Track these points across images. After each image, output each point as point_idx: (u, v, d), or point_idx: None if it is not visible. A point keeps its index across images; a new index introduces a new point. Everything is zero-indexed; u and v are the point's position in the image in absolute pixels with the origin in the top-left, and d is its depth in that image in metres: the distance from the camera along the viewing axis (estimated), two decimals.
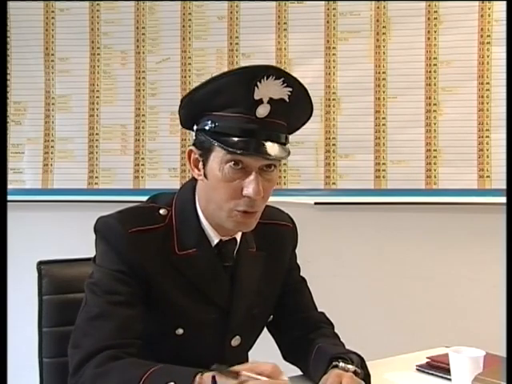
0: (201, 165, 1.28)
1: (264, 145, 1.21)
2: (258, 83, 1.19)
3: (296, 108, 1.27)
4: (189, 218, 1.33)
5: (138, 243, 1.27)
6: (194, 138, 1.30)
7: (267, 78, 1.19)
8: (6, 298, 1.53)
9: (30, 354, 1.58)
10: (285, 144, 1.27)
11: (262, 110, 1.21)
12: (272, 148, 1.22)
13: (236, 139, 1.21)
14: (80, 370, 1.18)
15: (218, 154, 1.23)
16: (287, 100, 1.23)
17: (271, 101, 1.21)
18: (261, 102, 1.20)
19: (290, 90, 1.23)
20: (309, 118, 1.34)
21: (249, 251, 1.39)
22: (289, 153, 1.26)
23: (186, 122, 1.32)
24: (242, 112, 1.21)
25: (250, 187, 1.23)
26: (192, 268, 1.30)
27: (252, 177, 1.23)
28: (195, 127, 1.29)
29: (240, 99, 1.20)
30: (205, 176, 1.27)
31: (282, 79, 1.21)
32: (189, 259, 1.30)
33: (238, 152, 1.20)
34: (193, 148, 1.29)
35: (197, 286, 1.31)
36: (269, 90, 1.20)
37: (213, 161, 1.24)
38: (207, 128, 1.24)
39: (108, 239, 1.29)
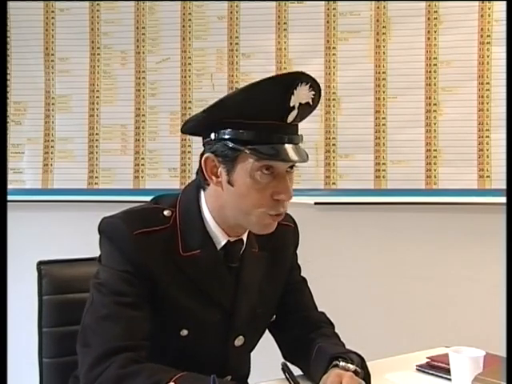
0: (222, 172, 1.28)
1: (291, 149, 1.25)
2: (294, 90, 1.21)
3: (313, 108, 1.30)
4: (193, 219, 1.33)
5: (143, 244, 1.27)
6: (211, 146, 1.28)
7: (301, 85, 1.22)
8: (6, 298, 1.53)
9: (29, 353, 1.59)
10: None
11: (292, 116, 1.24)
12: (297, 151, 1.26)
13: (267, 146, 1.23)
14: (96, 369, 1.18)
15: (246, 162, 1.24)
16: (311, 104, 1.26)
17: (299, 105, 1.24)
18: (293, 108, 1.23)
19: (314, 93, 1.26)
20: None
21: (252, 252, 1.40)
22: (307, 153, 1.29)
23: (199, 129, 1.32)
24: (273, 119, 1.23)
25: (282, 192, 1.26)
26: (196, 269, 1.31)
27: (283, 181, 1.26)
28: (213, 135, 1.28)
29: (274, 107, 1.22)
30: (229, 184, 1.27)
31: (309, 84, 1.24)
32: (193, 260, 1.30)
33: (272, 158, 1.23)
34: (210, 155, 1.28)
35: (201, 286, 1.32)
36: (300, 96, 1.23)
37: (240, 168, 1.25)
38: (232, 137, 1.24)
39: (113, 240, 1.29)
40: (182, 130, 1.36)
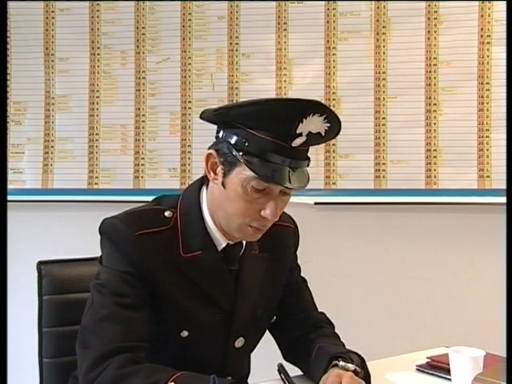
0: (220, 172, 1.27)
1: (290, 174, 1.22)
2: (304, 119, 1.19)
3: (326, 139, 1.28)
4: (194, 220, 1.33)
5: (144, 245, 1.27)
6: (216, 143, 1.28)
7: (313, 115, 1.20)
8: (5, 298, 1.53)
9: (30, 354, 1.59)
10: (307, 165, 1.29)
11: (298, 141, 1.22)
12: (297, 177, 1.23)
13: (265, 163, 1.21)
14: (95, 370, 1.19)
15: (243, 172, 1.23)
16: (323, 134, 1.24)
17: (308, 134, 1.22)
18: (300, 134, 1.21)
19: (329, 125, 1.23)
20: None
21: (252, 253, 1.39)
22: (308, 179, 1.28)
23: (211, 122, 1.31)
24: (278, 139, 1.21)
25: (268, 210, 1.25)
26: (197, 270, 1.31)
27: (273, 201, 1.25)
28: (221, 133, 1.27)
29: (280, 129, 1.20)
30: (223, 185, 1.27)
31: (325, 115, 1.22)
32: (194, 261, 1.30)
33: (267, 179, 1.21)
34: (213, 153, 1.28)
35: (201, 288, 1.32)
36: (310, 125, 1.21)
37: (236, 175, 1.24)
38: (236, 142, 1.23)
39: (114, 241, 1.29)
40: (200, 116, 1.34)
